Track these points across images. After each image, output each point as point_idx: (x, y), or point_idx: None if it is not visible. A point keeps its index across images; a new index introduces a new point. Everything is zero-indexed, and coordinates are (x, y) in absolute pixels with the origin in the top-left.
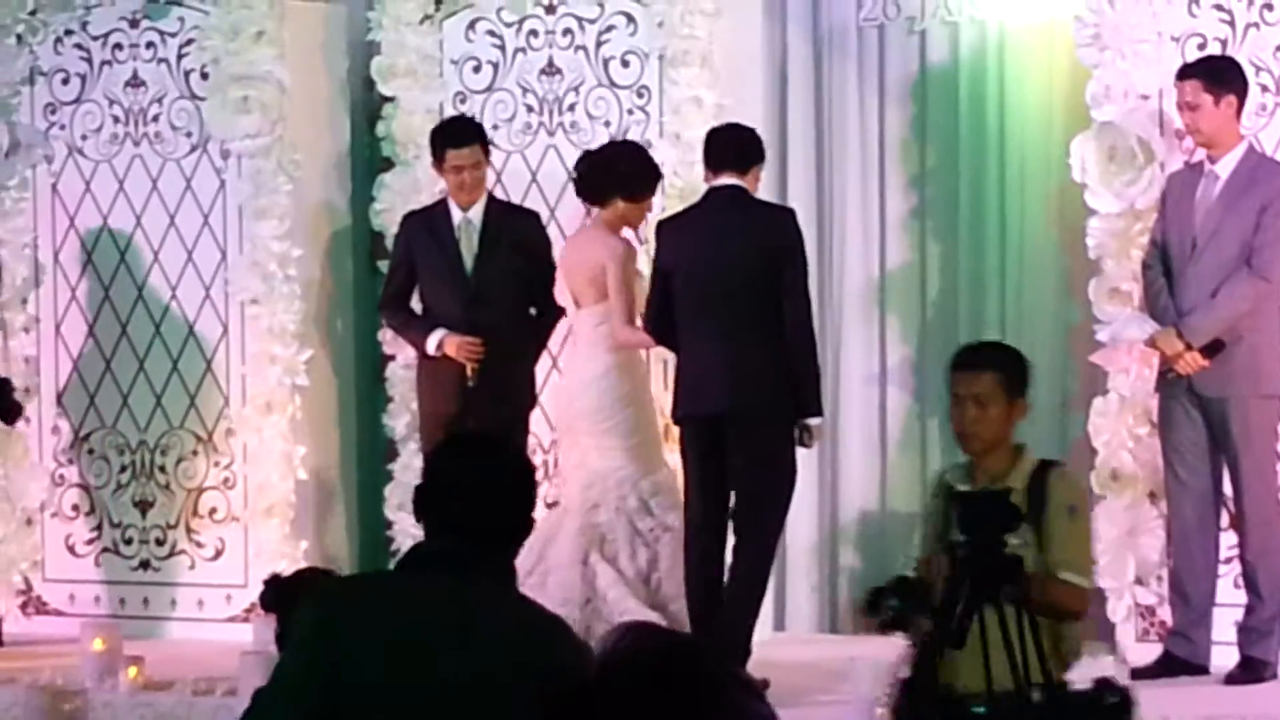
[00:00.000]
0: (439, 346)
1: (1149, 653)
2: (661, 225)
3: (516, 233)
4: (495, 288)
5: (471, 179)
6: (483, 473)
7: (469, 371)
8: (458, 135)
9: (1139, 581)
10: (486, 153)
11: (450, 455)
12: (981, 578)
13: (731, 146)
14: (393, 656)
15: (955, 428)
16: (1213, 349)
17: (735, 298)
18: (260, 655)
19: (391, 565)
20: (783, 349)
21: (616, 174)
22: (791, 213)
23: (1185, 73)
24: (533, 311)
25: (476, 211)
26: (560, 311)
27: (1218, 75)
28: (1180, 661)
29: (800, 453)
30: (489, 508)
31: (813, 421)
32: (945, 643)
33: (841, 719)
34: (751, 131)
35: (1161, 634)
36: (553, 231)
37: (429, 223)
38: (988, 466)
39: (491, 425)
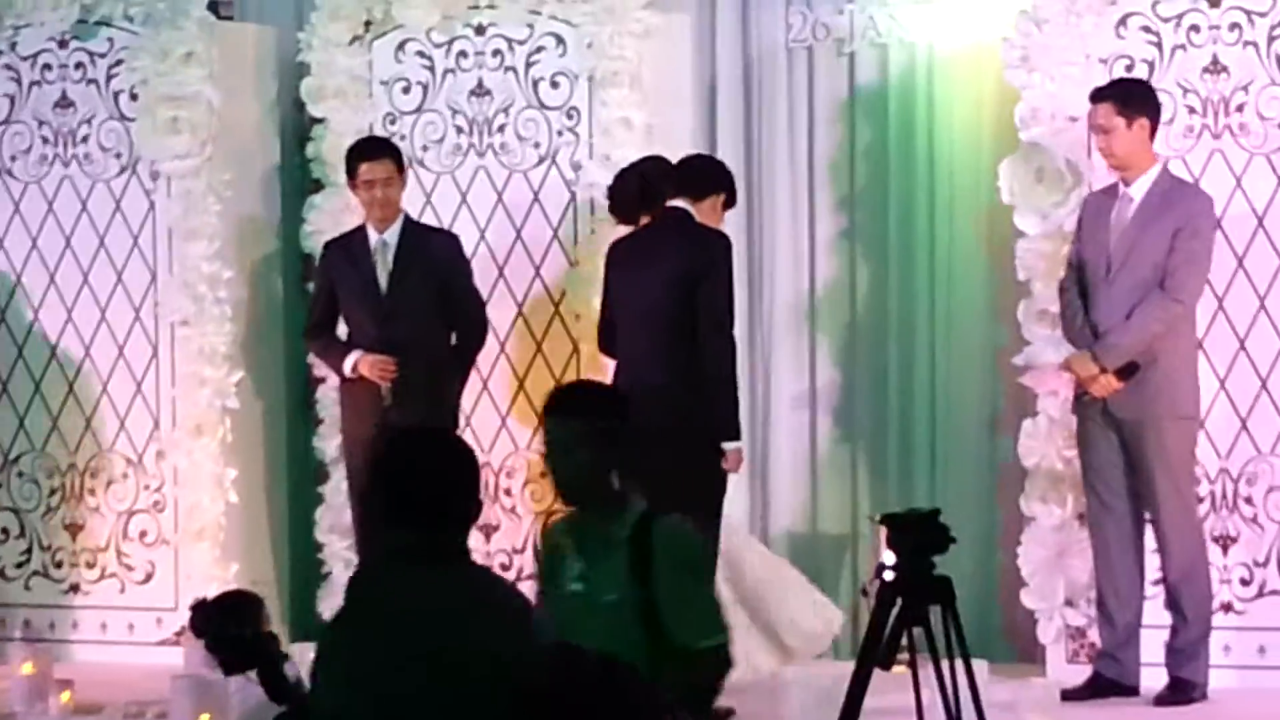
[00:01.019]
0: (354, 367)
1: (1079, 674)
2: (612, 245)
3: (431, 253)
4: (409, 308)
5: (383, 196)
6: (439, 461)
7: (384, 391)
8: (370, 149)
9: (1069, 603)
10: (401, 171)
11: (405, 448)
12: (911, 599)
13: (690, 173)
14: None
15: (547, 474)
16: (1127, 371)
17: (660, 317)
18: (191, 679)
19: (322, 589)
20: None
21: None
22: (721, 238)
23: (1098, 96)
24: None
25: (393, 233)
26: (483, 334)
27: (1130, 98)
28: (1109, 682)
29: (732, 480)
30: (450, 494)
31: (728, 446)
32: (874, 664)
33: None
34: (716, 164)
35: (1091, 655)
36: (483, 253)
37: (347, 246)
38: (589, 516)
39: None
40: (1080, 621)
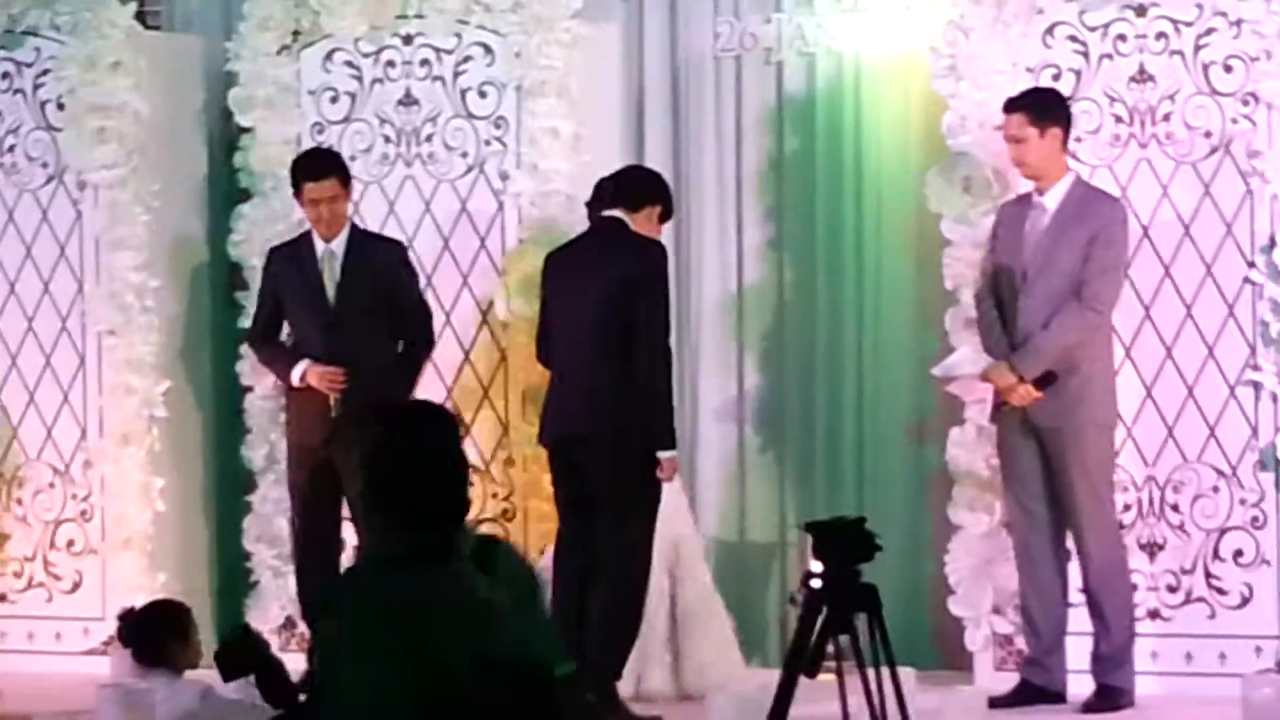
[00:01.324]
0: (302, 377)
1: (1007, 682)
2: (549, 256)
3: (378, 263)
4: (357, 318)
5: (330, 213)
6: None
7: (332, 401)
8: (315, 169)
9: (996, 610)
10: (347, 185)
11: (400, 448)
12: (837, 607)
13: (626, 184)
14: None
15: None
16: (1045, 381)
17: (596, 327)
18: (117, 688)
19: (250, 597)
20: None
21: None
22: (657, 247)
23: (1010, 106)
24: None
25: (340, 242)
26: (430, 343)
27: (1041, 108)
28: (1036, 690)
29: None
30: (451, 482)
31: (663, 455)
32: (801, 671)
33: None
34: (653, 176)
35: (1019, 663)
36: (411, 263)
37: (293, 254)
38: None
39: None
40: (1008, 629)
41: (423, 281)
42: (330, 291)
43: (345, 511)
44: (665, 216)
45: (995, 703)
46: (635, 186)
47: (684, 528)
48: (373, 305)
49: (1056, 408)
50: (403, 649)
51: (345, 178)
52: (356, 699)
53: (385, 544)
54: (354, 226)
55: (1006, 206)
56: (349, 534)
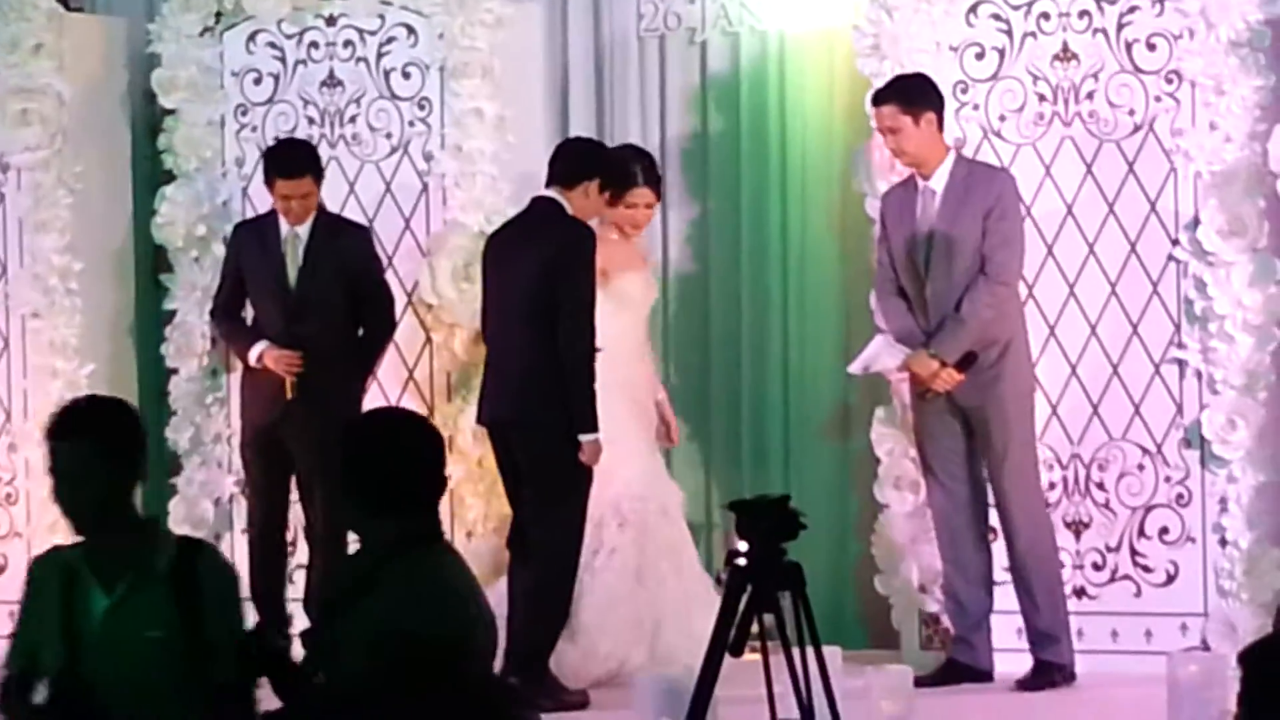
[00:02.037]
0: (259, 358)
1: (934, 660)
2: (489, 237)
3: (342, 248)
4: (318, 302)
5: (300, 208)
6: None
7: (288, 385)
8: (289, 166)
9: (922, 589)
10: (319, 179)
11: (378, 435)
12: (761, 586)
13: (559, 160)
14: None
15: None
16: (966, 361)
17: (522, 309)
18: None
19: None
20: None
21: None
22: (580, 228)
23: (879, 98)
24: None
25: (305, 225)
26: (391, 331)
27: (911, 96)
28: (963, 668)
29: None
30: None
31: (585, 437)
32: (725, 651)
33: None
34: (590, 148)
35: (945, 641)
36: None
37: (258, 233)
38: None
39: (307, 439)
40: (933, 608)
41: None
42: (292, 275)
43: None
44: (611, 188)
45: (921, 682)
46: (568, 162)
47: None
48: (334, 290)
49: (978, 385)
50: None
51: (319, 174)
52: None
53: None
54: (321, 209)
55: (890, 195)
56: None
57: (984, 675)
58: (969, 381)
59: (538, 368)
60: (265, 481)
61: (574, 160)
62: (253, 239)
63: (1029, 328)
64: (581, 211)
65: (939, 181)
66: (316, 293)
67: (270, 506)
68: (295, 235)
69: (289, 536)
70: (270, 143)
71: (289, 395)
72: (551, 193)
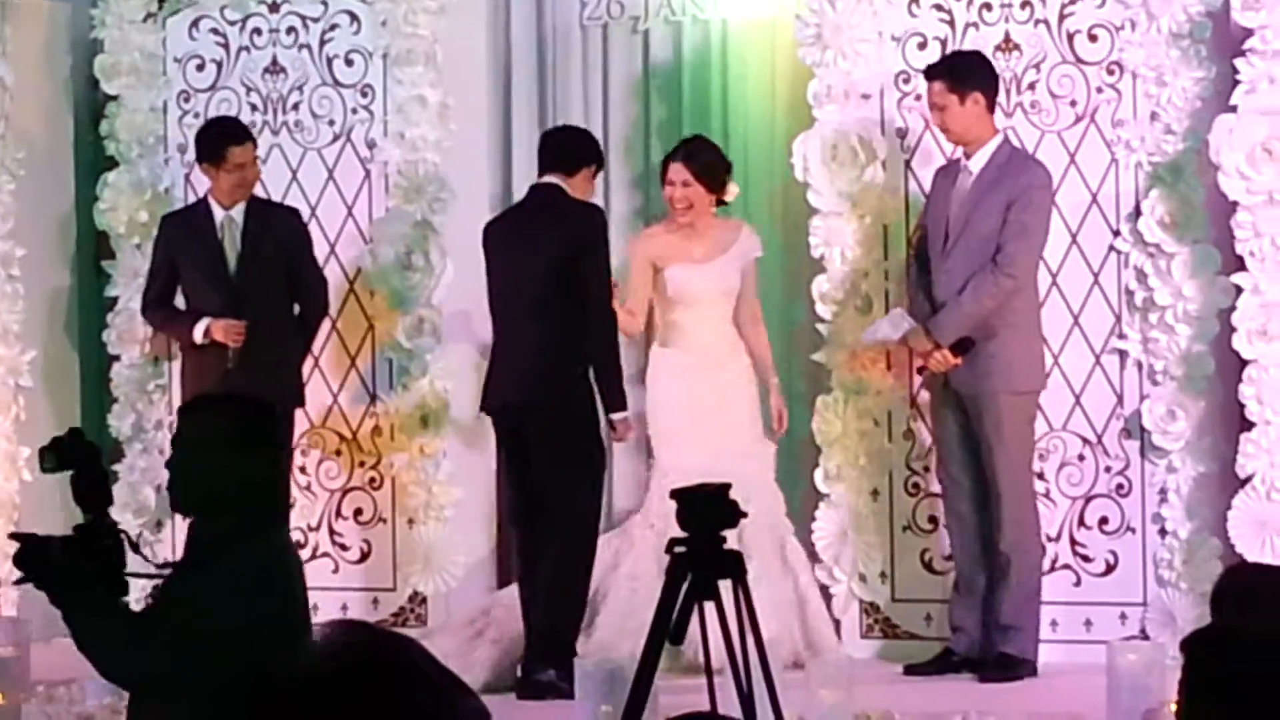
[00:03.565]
0: (206, 332)
1: (871, 648)
2: (486, 226)
3: (279, 231)
4: (258, 285)
5: (252, 175)
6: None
7: (230, 354)
8: (238, 132)
9: (862, 578)
10: (256, 147)
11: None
12: (701, 574)
13: (556, 148)
14: None
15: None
16: (962, 346)
17: (535, 293)
18: None
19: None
20: (584, 344)
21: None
22: (596, 211)
23: (930, 74)
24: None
25: (239, 210)
26: (325, 307)
27: (961, 74)
28: (960, 658)
29: None
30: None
31: (616, 416)
32: (666, 639)
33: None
34: (583, 135)
35: (886, 631)
36: None
37: (189, 223)
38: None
39: None
40: (870, 596)
41: None
42: (231, 260)
43: None
44: (597, 172)
45: (912, 670)
46: (570, 149)
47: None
48: (273, 273)
49: (975, 374)
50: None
51: (255, 141)
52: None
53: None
54: (252, 194)
55: (940, 170)
56: None
57: (978, 665)
58: (966, 368)
59: (550, 351)
60: None
61: (575, 146)
62: (183, 229)
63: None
64: (581, 196)
65: (978, 163)
66: (257, 276)
67: None
68: (230, 220)
69: None
70: None
71: (230, 364)
72: (552, 179)
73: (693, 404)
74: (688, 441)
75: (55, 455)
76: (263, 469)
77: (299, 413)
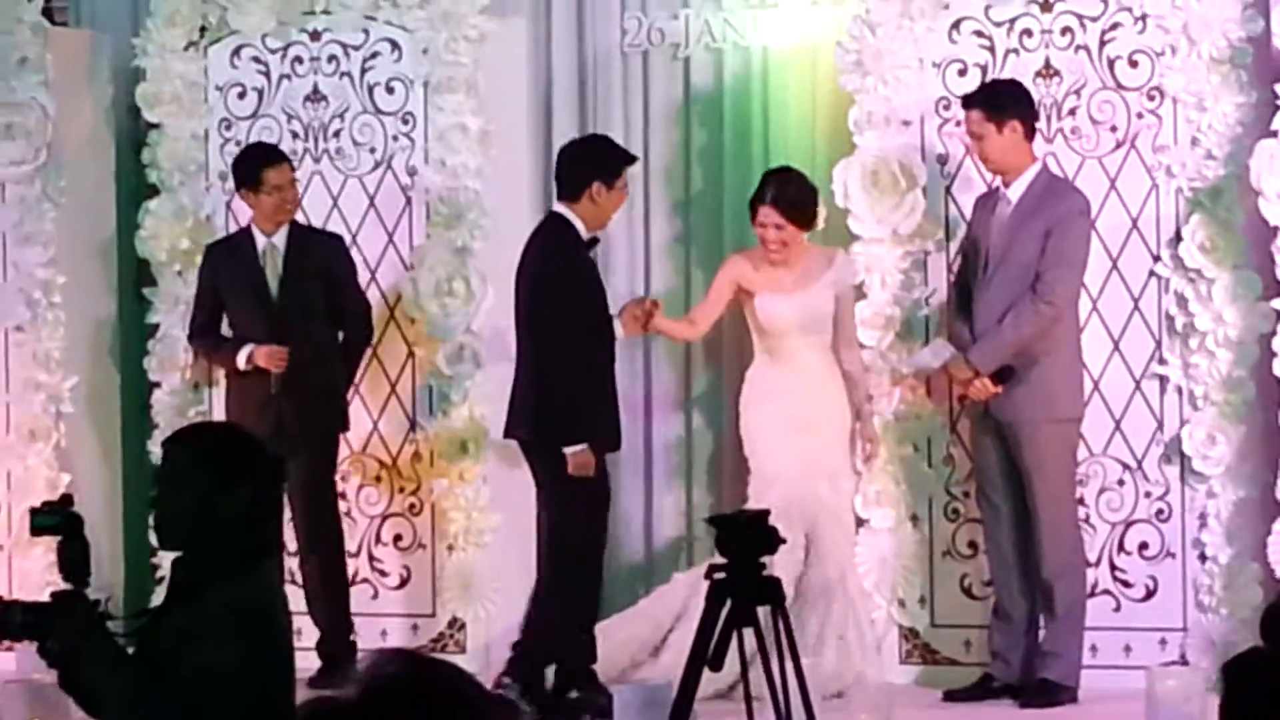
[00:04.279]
0: (249, 359)
1: (911, 674)
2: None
3: (320, 257)
4: (300, 311)
5: (292, 196)
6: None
7: (274, 380)
8: (272, 154)
9: (901, 604)
10: (294, 170)
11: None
12: (741, 600)
13: (559, 173)
14: None
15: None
16: (1003, 375)
17: (518, 325)
18: (23, 684)
19: (158, 592)
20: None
21: None
22: (547, 244)
23: (967, 102)
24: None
25: (280, 236)
26: (370, 334)
27: (997, 102)
28: (1001, 685)
29: None
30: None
31: (567, 450)
32: (705, 665)
33: None
34: (574, 151)
35: (926, 656)
36: None
37: (232, 251)
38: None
39: (300, 446)
40: (910, 622)
41: None
42: (274, 286)
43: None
44: (614, 180)
45: (952, 696)
46: (561, 173)
47: (824, 517)
48: (315, 299)
49: (1014, 402)
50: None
51: (292, 164)
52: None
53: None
54: (293, 221)
55: (981, 197)
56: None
57: (1018, 691)
58: (1006, 396)
59: (524, 382)
60: None
61: (571, 167)
62: (227, 257)
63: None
64: (596, 220)
65: (1016, 191)
66: (299, 302)
67: None
68: (272, 247)
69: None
70: None
71: (274, 389)
72: (557, 207)
73: (783, 426)
74: (779, 464)
75: (47, 518)
76: (242, 504)
77: (341, 438)
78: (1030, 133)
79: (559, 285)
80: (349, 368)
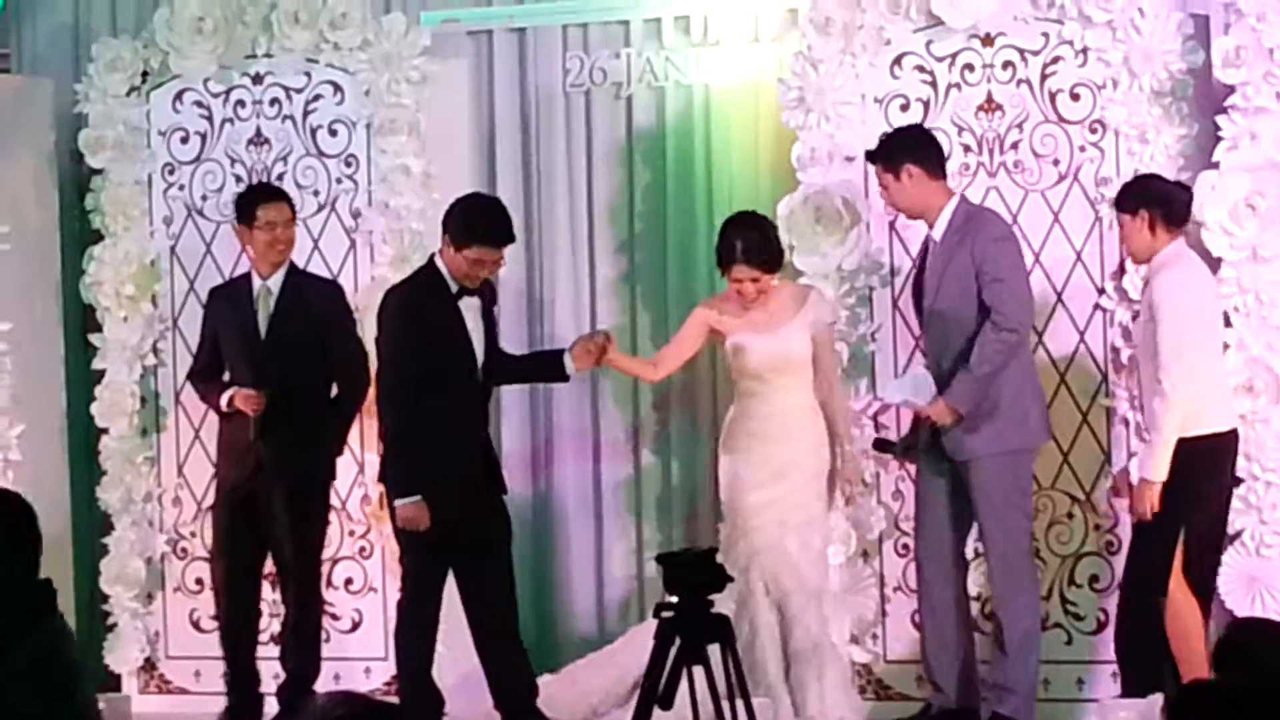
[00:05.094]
0: (229, 401)
1: (864, 710)
2: None
3: (313, 302)
4: (287, 352)
5: (285, 236)
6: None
7: (252, 425)
8: (268, 191)
9: (854, 640)
10: (294, 214)
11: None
12: (690, 638)
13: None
14: None
15: None
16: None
17: None
18: None
19: (109, 640)
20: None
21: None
22: (402, 283)
23: (868, 158)
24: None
25: (276, 280)
26: (365, 387)
27: (889, 152)
28: (938, 710)
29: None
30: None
31: (396, 502)
32: (655, 704)
33: None
34: (456, 203)
35: (879, 692)
36: None
37: (231, 293)
38: None
39: (278, 500)
40: (865, 658)
41: None
42: (263, 326)
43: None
44: (459, 240)
45: None
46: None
47: (787, 576)
48: (304, 341)
49: (965, 438)
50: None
51: (293, 207)
52: None
53: None
54: (292, 265)
55: (925, 243)
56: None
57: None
58: (957, 433)
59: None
60: (231, 543)
61: (447, 218)
62: (225, 301)
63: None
64: (460, 273)
65: (939, 230)
66: (285, 342)
67: (237, 568)
68: (267, 290)
69: (260, 600)
70: (199, 201)
71: (251, 435)
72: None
73: (757, 472)
74: (749, 513)
75: None
76: (10, 569)
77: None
78: (935, 172)
79: (403, 332)
80: (343, 419)
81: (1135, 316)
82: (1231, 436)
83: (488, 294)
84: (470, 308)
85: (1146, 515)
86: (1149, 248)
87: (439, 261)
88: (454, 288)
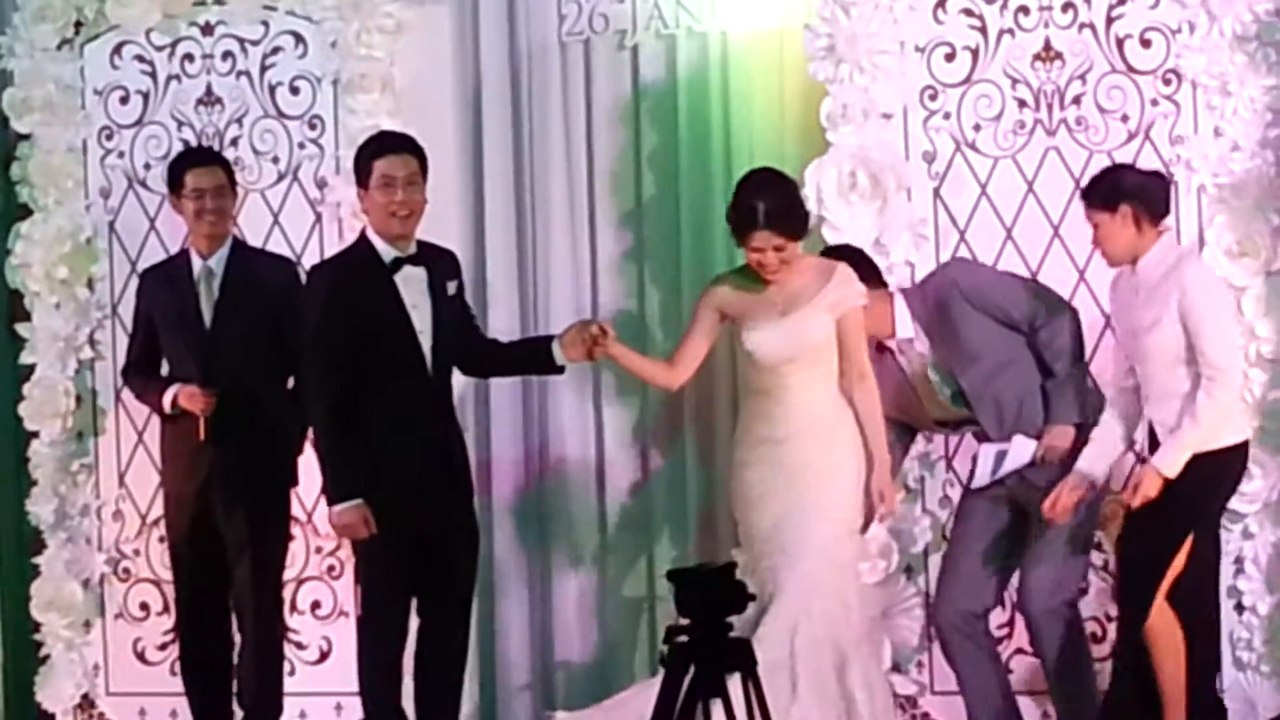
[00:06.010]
0: (174, 401)
1: None
2: None
3: (266, 283)
4: (236, 343)
5: (214, 206)
6: None
7: (201, 425)
8: (204, 155)
9: (895, 669)
10: (233, 184)
11: None
12: (706, 663)
13: None
14: None
15: None
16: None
17: None
18: None
19: (41, 673)
20: None
21: None
22: (331, 258)
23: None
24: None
25: (219, 258)
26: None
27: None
28: None
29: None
30: None
31: (331, 508)
32: None
33: None
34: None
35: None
36: None
37: (166, 274)
38: None
39: (235, 509)
40: (910, 689)
41: None
42: (207, 314)
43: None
44: (363, 172)
45: None
46: None
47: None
48: (256, 330)
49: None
50: None
51: (230, 172)
52: None
53: None
54: (236, 240)
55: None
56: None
57: None
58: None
59: None
60: (194, 560)
61: None
62: (160, 283)
63: None
64: (385, 230)
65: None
66: (234, 332)
67: (201, 590)
68: (209, 270)
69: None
70: (141, 170)
71: (201, 438)
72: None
73: (773, 482)
74: (765, 530)
75: None
76: None
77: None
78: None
79: (326, 311)
80: (300, 413)
81: (1109, 323)
82: (1245, 447)
83: (440, 264)
84: (411, 280)
85: (1136, 502)
86: (1132, 247)
87: (369, 232)
88: (387, 257)
